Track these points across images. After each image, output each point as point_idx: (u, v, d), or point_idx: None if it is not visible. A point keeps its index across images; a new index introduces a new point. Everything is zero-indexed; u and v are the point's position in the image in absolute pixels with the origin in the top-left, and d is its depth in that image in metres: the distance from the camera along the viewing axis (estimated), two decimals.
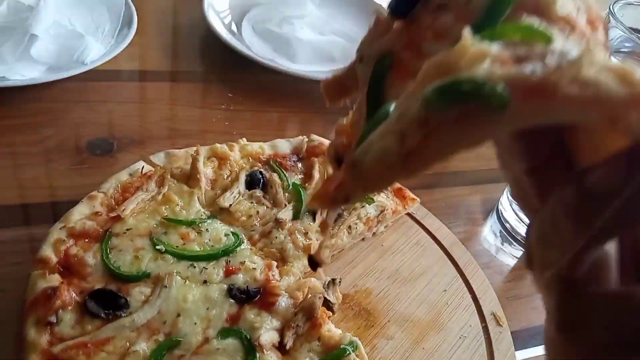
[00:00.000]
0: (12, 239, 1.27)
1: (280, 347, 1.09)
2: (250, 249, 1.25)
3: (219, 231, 1.26)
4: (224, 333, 1.07)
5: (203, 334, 1.06)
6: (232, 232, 1.27)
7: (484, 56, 0.37)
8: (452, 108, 0.37)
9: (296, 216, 1.34)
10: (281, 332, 1.11)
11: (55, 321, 1.01)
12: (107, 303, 1.06)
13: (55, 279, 1.07)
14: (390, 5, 0.57)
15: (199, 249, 1.20)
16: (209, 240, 1.23)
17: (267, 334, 1.08)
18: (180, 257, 1.18)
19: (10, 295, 1.17)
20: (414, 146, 0.39)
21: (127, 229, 1.20)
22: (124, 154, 1.52)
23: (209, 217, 1.29)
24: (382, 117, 0.45)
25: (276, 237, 1.28)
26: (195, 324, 1.07)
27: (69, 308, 1.04)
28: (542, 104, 0.34)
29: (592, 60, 0.35)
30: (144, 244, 1.18)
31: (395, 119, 0.41)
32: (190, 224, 1.24)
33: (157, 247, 1.17)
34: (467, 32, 0.38)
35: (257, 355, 1.04)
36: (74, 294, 1.06)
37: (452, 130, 0.38)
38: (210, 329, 1.07)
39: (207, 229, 1.25)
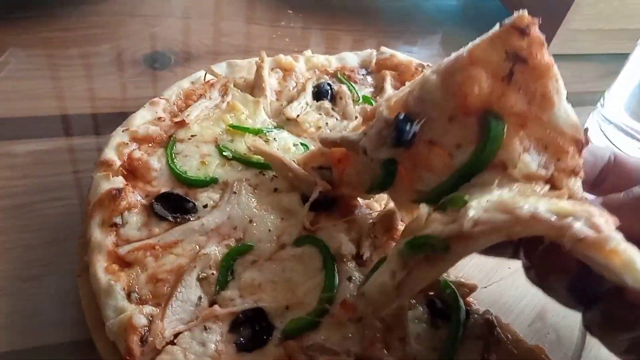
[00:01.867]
0: (65, 148, 1.22)
1: (357, 258, 1.00)
2: None
3: (287, 141, 1.16)
4: (299, 241, 0.98)
5: (277, 241, 0.98)
6: (301, 142, 1.17)
7: (432, 221, 0.66)
8: (418, 253, 0.66)
9: None
10: (358, 243, 1.01)
11: (120, 223, 0.95)
12: (174, 206, 0.98)
13: (119, 181, 1.00)
14: (394, 140, 0.80)
15: None
16: (277, 149, 1.13)
17: (345, 244, 0.99)
18: (248, 164, 1.09)
19: (72, 202, 1.12)
20: (402, 278, 0.67)
21: (192, 135, 1.12)
22: (182, 69, 1.44)
23: (275, 128, 1.20)
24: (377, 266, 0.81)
25: None
26: (270, 230, 0.99)
27: (135, 210, 0.97)
28: (467, 242, 0.60)
29: (479, 205, 0.62)
30: (210, 151, 1.10)
31: (386, 264, 0.71)
32: (258, 132, 1.15)
33: (224, 153, 1.09)
34: (422, 207, 0.71)
35: (337, 264, 0.95)
36: (139, 197, 0.99)
37: (424, 266, 0.66)
38: (284, 236, 0.98)
39: (274, 138, 1.15)
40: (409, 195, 0.84)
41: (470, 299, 0.96)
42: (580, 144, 0.73)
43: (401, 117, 0.78)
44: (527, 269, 0.83)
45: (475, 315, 0.92)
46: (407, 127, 0.78)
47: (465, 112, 0.76)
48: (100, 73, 1.39)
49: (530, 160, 0.72)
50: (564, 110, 0.73)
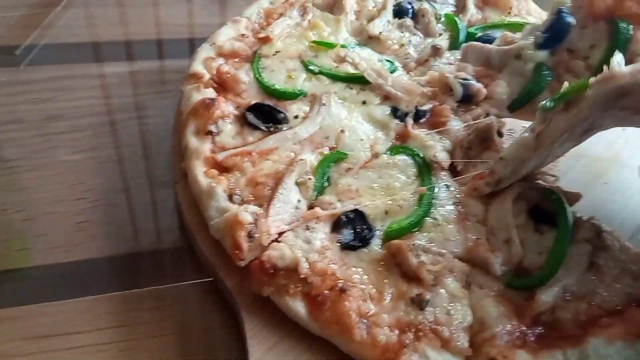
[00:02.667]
0: (148, 70, 1.22)
1: (451, 169, 0.98)
2: (408, 74, 1.12)
3: (371, 57, 1.13)
4: (394, 150, 0.96)
5: (371, 150, 0.96)
6: (386, 59, 1.14)
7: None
8: (558, 104, 0.77)
9: (453, 45, 1.19)
10: (452, 155, 0.99)
11: (216, 131, 0.94)
12: (266, 117, 0.98)
13: (210, 93, 1.00)
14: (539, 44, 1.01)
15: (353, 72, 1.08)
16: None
17: (440, 153, 0.97)
18: (335, 78, 1.07)
19: (157, 120, 1.13)
20: (541, 130, 0.79)
21: (276, 51, 1.10)
22: None
23: (358, 45, 1.17)
24: None
25: (435, 66, 1.14)
26: (362, 140, 0.97)
27: (228, 120, 0.96)
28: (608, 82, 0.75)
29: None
30: (295, 66, 1.08)
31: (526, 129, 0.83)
32: (342, 46, 1.13)
33: (310, 67, 1.07)
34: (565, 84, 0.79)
35: (432, 172, 0.93)
36: (232, 108, 0.98)
37: (562, 114, 0.77)
38: (377, 145, 0.97)
39: (359, 54, 1.12)
40: None
41: (572, 209, 0.92)
42: None
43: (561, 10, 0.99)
44: None
45: (581, 221, 0.88)
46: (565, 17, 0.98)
47: (594, 19, 0.97)
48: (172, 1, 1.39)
49: None
50: None
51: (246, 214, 0.82)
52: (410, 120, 1.00)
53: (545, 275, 0.80)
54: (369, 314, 0.76)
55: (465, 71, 1.06)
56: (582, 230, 0.87)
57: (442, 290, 0.79)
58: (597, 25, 0.97)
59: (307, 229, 0.84)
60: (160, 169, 1.01)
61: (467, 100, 1.04)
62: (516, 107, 1.04)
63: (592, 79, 0.75)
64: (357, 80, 1.06)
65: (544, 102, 0.81)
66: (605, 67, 0.76)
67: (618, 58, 0.76)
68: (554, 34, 1.00)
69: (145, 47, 1.27)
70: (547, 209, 0.89)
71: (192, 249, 0.91)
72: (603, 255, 0.86)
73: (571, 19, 0.98)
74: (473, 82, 1.04)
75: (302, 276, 0.77)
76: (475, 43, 1.11)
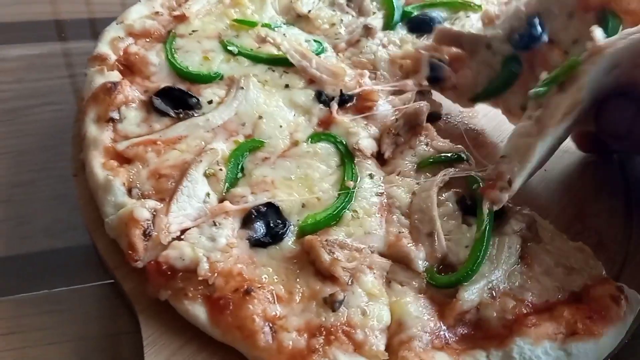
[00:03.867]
0: (59, 53, 1.13)
1: (378, 158, 0.92)
2: (337, 56, 1.05)
3: (298, 37, 1.06)
4: (315, 137, 0.90)
5: (290, 138, 0.89)
6: (313, 39, 1.07)
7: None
8: (551, 88, 0.78)
9: (387, 25, 1.12)
10: (379, 142, 0.93)
11: (118, 117, 0.86)
12: (176, 102, 0.89)
13: (114, 76, 0.91)
14: (514, 44, 0.94)
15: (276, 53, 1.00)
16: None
17: (365, 141, 0.90)
18: (256, 59, 0.99)
19: (68, 106, 1.03)
20: (539, 116, 0.77)
21: (193, 31, 1.01)
22: None
23: (285, 24, 1.09)
24: None
25: (366, 47, 1.07)
26: (281, 127, 0.90)
27: (133, 105, 0.88)
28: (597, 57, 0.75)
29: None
30: (213, 47, 1.00)
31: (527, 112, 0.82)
32: (265, 25, 1.05)
33: (229, 48, 0.99)
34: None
35: (355, 160, 0.87)
36: (137, 92, 0.90)
37: (558, 95, 0.77)
38: (298, 132, 0.90)
39: (284, 34, 1.05)
40: (519, 100, 0.93)
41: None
42: None
43: (534, 17, 0.92)
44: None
45: (513, 212, 0.83)
46: (538, 23, 0.91)
47: (585, 8, 0.89)
48: None
49: None
50: None
51: (142, 209, 0.74)
52: (335, 105, 0.94)
53: (467, 271, 0.75)
54: (275, 317, 0.69)
55: (440, 53, 1.01)
56: (513, 222, 0.82)
57: (359, 289, 0.73)
58: (586, 16, 0.89)
59: (214, 225, 0.76)
60: (66, 161, 0.92)
61: (437, 81, 1.01)
62: (479, 100, 1.00)
63: (582, 55, 0.74)
64: (280, 63, 0.99)
65: (534, 89, 0.79)
66: (588, 43, 0.74)
67: (598, 33, 0.75)
68: (525, 42, 0.93)
69: (62, 26, 1.17)
70: (474, 200, 0.84)
71: (95, 248, 0.83)
72: (534, 247, 0.81)
73: (543, 33, 0.92)
74: (445, 66, 1.00)
75: (200, 278, 0.70)
76: (447, 26, 1.06)
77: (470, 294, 0.74)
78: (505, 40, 0.95)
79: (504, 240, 0.80)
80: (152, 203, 0.76)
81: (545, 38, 0.91)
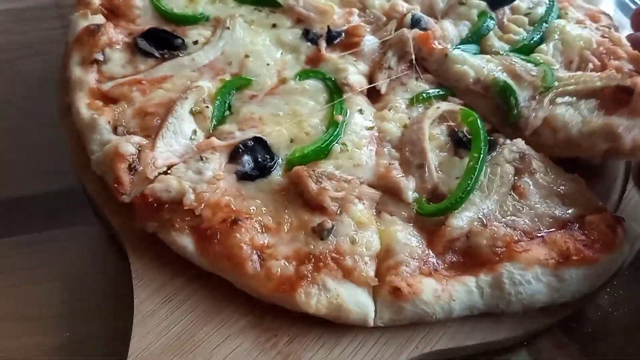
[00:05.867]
0: (38, 6, 1.12)
1: (370, 95, 0.90)
2: None
3: None
4: (303, 74, 0.88)
5: (278, 76, 0.88)
6: None
7: None
8: None
9: None
10: (370, 78, 0.91)
11: (102, 59, 0.85)
12: (161, 43, 0.88)
13: (98, 19, 0.90)
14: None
15: None
16: None
17: (355, 77, 0.89)
18: (241, 0, 0.97)
19: (48, 57, 1.02)
20: None
21: None
22: None
23: None
24: None
25: None
26: (268, 64, 0.88)
27: (117, 47, 0.87)
28: None
29: None
30: None
31: None
32: None
33: None
34: None
35: (345, 96, 0.85)
36: (122, 35, 0.89)
37: None
38: (286, 70, 0.89)
39: None
40: None
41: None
42: None
43: None
44: None
45: (506, 143, 0.82)
46: None
47: None
48: None
49: None
50: None
51: (128, 144, 0.73)
52: (323, 43, 0.92)
53: (456, 198, 0.74)
54: (263, 246, 0.69)
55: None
56: (506, 151, 0.80)
57: (348, 218, 0.73)
58: None
59: (201, 159, 0.76)
60: (53, 108, 0.91)
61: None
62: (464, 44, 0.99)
63: None
64: (267, 3, 0.97)
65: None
66: None
67: None
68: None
69: None
70: (466, 132, 0.83)
71: (85, 189, 0.83)
72: (528, 178, 0.80)
73: None
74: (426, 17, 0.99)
75: (186, 207, 0.69)
76: None
77: (460, 221, 0.73)
78: None
79: (496, 170, 0.79)
80: (137, 139, 0.75)
81: None
